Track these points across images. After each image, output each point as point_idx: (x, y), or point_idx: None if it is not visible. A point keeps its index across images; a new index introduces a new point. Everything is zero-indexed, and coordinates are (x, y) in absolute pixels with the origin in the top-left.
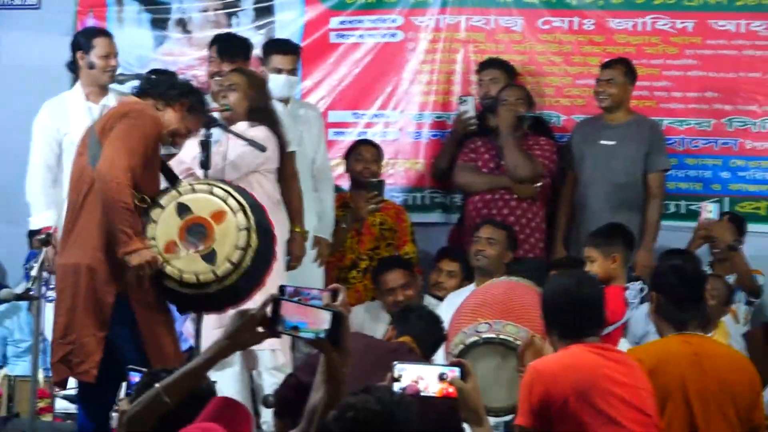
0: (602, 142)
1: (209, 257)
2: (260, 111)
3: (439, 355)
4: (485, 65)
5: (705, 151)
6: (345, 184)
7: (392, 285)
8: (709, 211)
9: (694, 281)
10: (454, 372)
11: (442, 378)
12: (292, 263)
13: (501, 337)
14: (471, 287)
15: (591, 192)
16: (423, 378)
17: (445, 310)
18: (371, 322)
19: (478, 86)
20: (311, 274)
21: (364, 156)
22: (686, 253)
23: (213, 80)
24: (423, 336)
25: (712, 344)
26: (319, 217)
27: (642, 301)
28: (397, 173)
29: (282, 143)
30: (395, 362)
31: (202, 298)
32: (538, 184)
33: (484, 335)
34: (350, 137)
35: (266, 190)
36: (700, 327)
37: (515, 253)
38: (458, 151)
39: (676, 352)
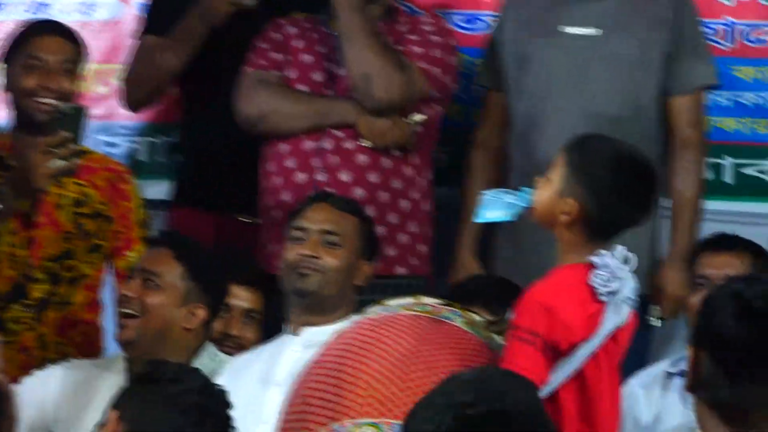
0: (568, 30)
1: None
2: None
3: None
4: None
5: None
6: None
7: None
8: None
9: None
10: None
11: None
12: None
13: None
14: (290, 340)
15: (544, 139)
16: None
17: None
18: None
19: None
20: None
21: (40, 56)
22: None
23: None
24: None
25: None
26: None
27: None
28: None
29: None
30: None
31: None
32: (418, 118)
33: None
34: None
35: None
36: None
37: (375, 266)
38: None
39: None
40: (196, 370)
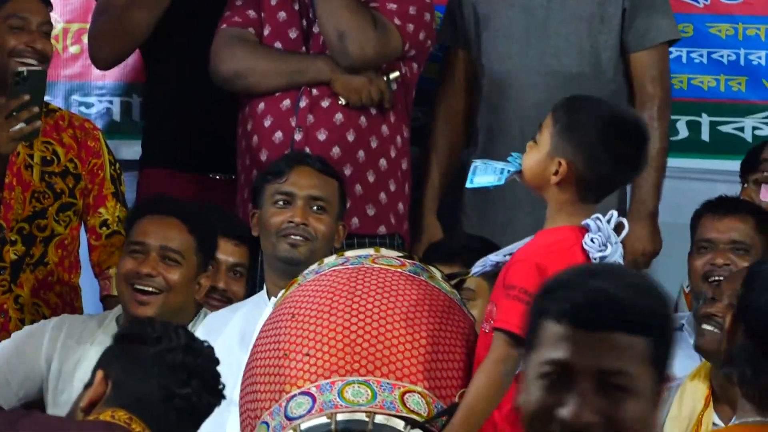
0: None
1: None
2: None
3: None
4: None
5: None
6: None
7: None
8: None
9: None
10: None
11: None
12: None
13: (340, 418)
14: (264, 300)
15: (506, 98)
16: None
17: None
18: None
19: None
20: None
21: (25, 16)
22: None
23: None
24: (159, 407)
25: None
26: None
27: None
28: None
29: None
30: None
31: None
32: (394, 75)
33: (308, 423)
34: None
35: None
36: None
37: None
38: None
39: None
40: (181, 328)
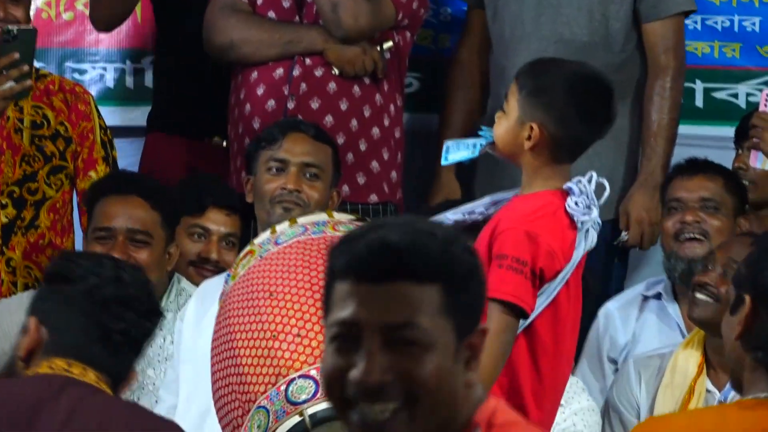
0: None
1: None
2: None
3: None
4: None
5: None
6: None
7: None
8: None
9: None
10: None
11: None
12: None
13: None
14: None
15: (515, 64)
16: None
17: (192, 323)
18: None
19: None
20: None
21: None
22: None
23: None
24: (97, 346)
25: None
26: None
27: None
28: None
29: None
30: None
31: None
32: (387, 45)
33: (314, 407)
34: None
35: None
36: None
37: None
38: None
39: None
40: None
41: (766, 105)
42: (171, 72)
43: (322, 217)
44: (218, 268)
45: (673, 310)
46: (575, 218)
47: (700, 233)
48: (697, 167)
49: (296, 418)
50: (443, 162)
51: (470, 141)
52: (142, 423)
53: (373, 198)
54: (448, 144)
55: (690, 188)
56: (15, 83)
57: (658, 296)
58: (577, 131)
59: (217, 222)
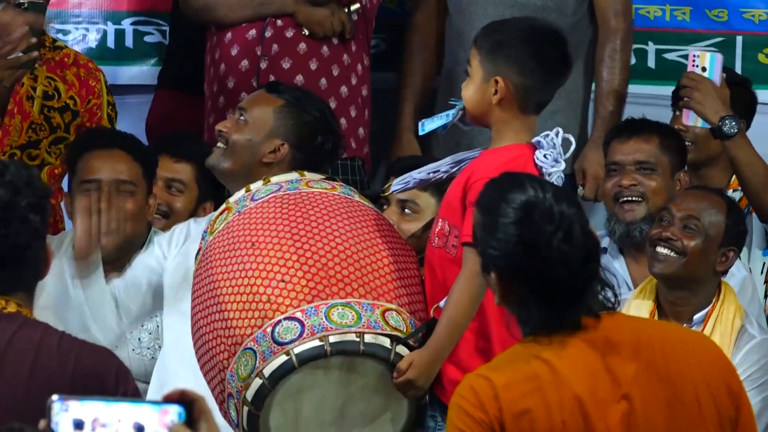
0: None
1: None
2: None
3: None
4: None
5: None
6: None
7: None
8: (698, 64)
9: None
10: (168, 413)
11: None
12: None
13: (333, 340)
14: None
15: (472, 27)
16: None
17: (171, 271)
18: None
19: None
20: None
21: None
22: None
23: None
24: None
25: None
26: None
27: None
28: None
29: None
30: (53, 398)
31: None
32: (354, 7)
33: (300, 347)
34: None
35: None
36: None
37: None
38: None
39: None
40: None
41: (694, 65)
42: (183, 32)
43: (293, 175)
44: (161, 213)
45: (620, 264)
46: (543, 170)
47: (637, 195)
48: (633, 129)
49: (283, 357)
50: (420, 133)
51: (443, 113)
52: (77, 351)
53: (342, 153)
54: (423, 121)
55: (625, 151)
56: (22, 53)
57: (603, 251)
58: (539, 77)
59: (163, 168)
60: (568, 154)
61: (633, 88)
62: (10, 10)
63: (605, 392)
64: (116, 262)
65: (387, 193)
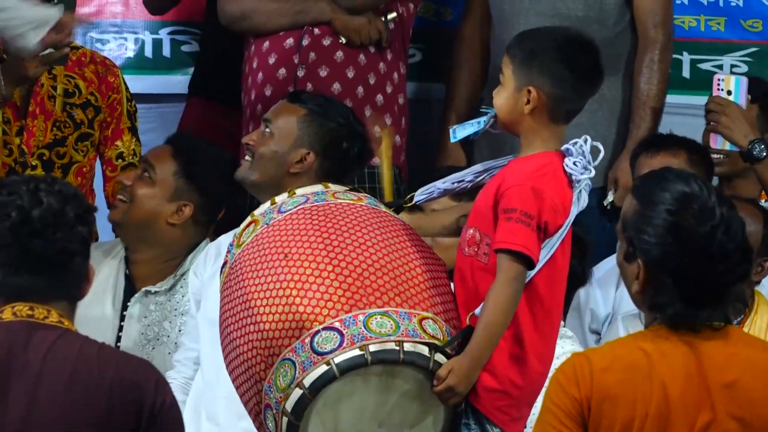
0: None
1: None
2: None
3: None
4: None
5: None
6: None
7: None
8: (723, 88)
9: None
10: None
11: None
12: None
13: (373, 349)
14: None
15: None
16: None
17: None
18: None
19: None
20: None
21: None
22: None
23: None
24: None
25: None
26: None
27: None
28: None
29: None
30: None
31: None
32: (391, 16)
33: (341, 356)
34: None
35: None
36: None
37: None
38: None
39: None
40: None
41: (719, 89)
42: (217, 41)
43: (318, 187)
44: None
45: None
46: (573, 177)
47: None
48: (661, 144)
49: (324, 367)
50: (452, 140)
51: (474, 120)
52: (117, 361)
53: (377, 161)
54: (453, 128)
55: (653, 165)
56: (54, 49)
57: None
58: (571, 87)
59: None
60: (597, 161)
61: (668, 98)
62: (42, 4)
63: (694, 398)
64: (157, 273)
65: (410, 204)
